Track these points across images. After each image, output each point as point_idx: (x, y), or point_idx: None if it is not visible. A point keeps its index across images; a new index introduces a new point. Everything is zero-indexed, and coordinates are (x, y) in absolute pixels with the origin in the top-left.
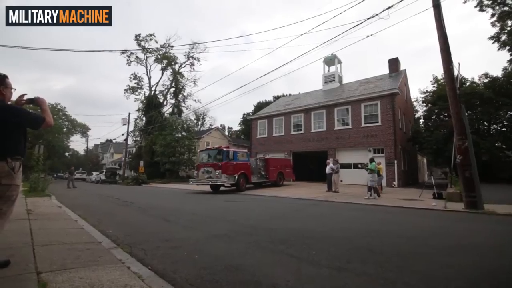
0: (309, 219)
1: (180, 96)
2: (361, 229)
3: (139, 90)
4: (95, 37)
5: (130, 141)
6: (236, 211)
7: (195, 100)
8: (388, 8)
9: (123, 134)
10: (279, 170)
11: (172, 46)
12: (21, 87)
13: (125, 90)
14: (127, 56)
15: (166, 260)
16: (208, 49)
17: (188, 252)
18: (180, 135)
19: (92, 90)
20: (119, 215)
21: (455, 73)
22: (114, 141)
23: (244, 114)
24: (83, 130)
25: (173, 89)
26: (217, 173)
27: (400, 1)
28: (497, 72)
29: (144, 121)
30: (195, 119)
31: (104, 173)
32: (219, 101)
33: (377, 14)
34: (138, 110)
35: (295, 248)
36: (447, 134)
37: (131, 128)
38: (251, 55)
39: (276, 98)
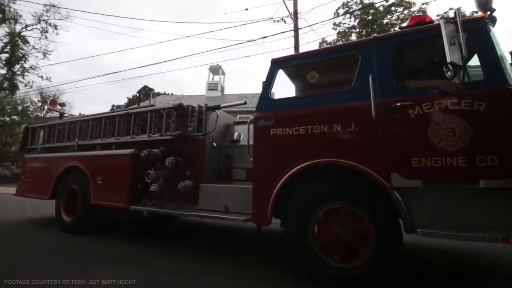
0: None
1: (19, 67)
2: None
3: None
4: None
5: None
6: None
7: (41, 77)
8: (264, 37)
9: None
10: None
11: None
12: None
13: None
14: None
15: None
16: (73, 19)
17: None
18: (8, 119)
19: None
20: None
21: None
22: None
23: (113, 106)
24: None
25: (7, 55)
26: None
27: (272, 35)
28: None
29: None
30: (39, 101)
31: None
32: (81, 87)
33: (254, 40)
34: None
35: None
36: None
37: None
38: (131, 44)
39: (156, 95)
